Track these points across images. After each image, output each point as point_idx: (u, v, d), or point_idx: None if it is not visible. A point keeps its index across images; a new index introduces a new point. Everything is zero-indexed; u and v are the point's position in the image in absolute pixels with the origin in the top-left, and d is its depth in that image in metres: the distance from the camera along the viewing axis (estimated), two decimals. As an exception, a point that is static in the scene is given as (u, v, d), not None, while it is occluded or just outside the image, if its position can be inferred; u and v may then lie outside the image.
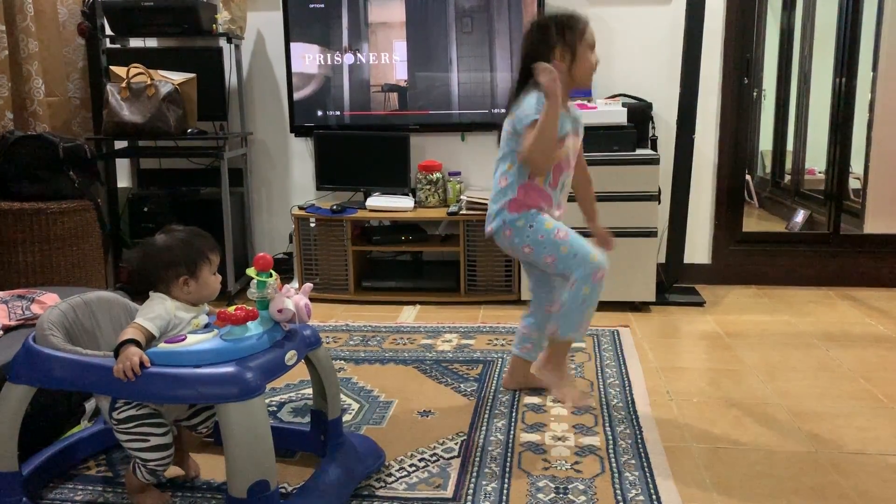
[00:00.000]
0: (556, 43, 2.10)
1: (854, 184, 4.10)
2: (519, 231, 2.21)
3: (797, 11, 4.86)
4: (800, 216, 4.50)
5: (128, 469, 1.76)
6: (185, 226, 1.81)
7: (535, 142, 2.08)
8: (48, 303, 2.22)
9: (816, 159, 4.74)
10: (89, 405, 2.20)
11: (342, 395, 2.40)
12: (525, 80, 2.17)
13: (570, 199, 2.39)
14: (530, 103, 2.12)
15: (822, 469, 1.96)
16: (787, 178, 5.17)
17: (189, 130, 3.51)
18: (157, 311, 1.67)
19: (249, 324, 1.62)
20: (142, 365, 1.54)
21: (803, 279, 3.81)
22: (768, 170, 5.43)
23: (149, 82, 3.38)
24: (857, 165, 4.02)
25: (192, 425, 1.83)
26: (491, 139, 3.79)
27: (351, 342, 3.02)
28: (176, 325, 1.69)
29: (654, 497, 1.81)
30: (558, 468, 1.96)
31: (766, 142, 5.32)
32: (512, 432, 2.18)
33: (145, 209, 3.70)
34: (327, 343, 2.99)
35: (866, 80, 3.86)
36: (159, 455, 1.69)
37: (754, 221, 4.85)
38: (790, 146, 5.12)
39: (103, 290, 2.09)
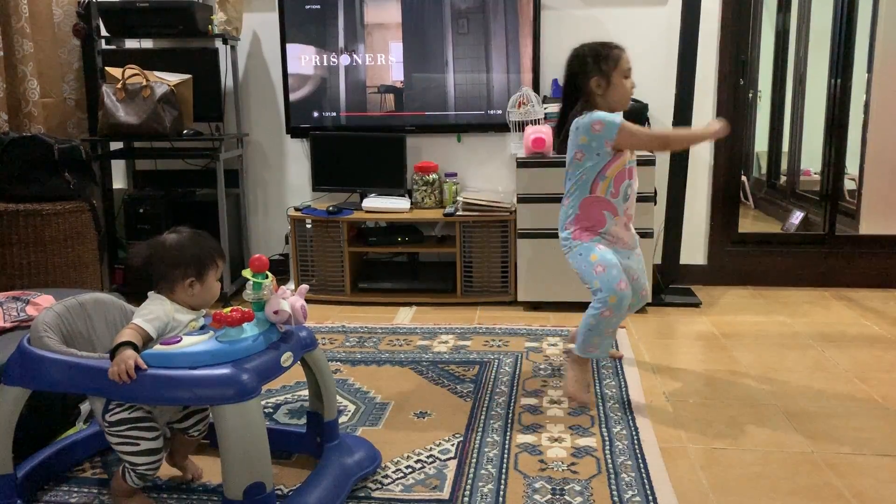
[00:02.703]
0: (593, 72, 2.28)
1: (849, 185, 4.11)
2: (572, 252, 2.42)
3: (792, 13, 4.88)
4: (795, 217, 4.51)
5: (116, 473, 1.74)
6: (192, 228, 1.81)
7: (671, 140, 2.64)
8: (43, 304, 2.21)
9: (812, 160, 4.76)
10: (84, 407, 2.19)
11: (338, 397, 2.40)
12: (570, 106, 2.37)
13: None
14: (598, 113, 2.29)
15: (818, 469, 1.96)
16: (783, 179, 5.18)
17: (185, 131, 3.51)
18: (156, 312, 1.66)
19: (245, 325, 1.62)
20: (138, 368, 1.54)
21: (799, 280, 3.81)
22: (764, 171, 5.44)
23: (144, 83, 3.37)
24: (852, 166, 4.03)
25: (183, 428, 1.83)
26: (488, 140, 3.81)
27: (347, 343, 3.02)
28: (173, 328, 1.68)
29: (650, 498, 1.81)
30: (555, 469, 1.96)
31: (761, 143, 5.34)
32: (508, 433, 2.18)
33: (141, 210, 3.69)
34: (323, 344, 2.99)
35: (861, 81, 3.87)
36: (149, 459, 1.68)
37: (750, 222, 4.86)
38: (786, 147, 5.14)
39: (99, 291, 2.09)
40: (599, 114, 2.29)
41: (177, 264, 1.70)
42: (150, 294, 1.72)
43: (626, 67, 2.30)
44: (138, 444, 1.67)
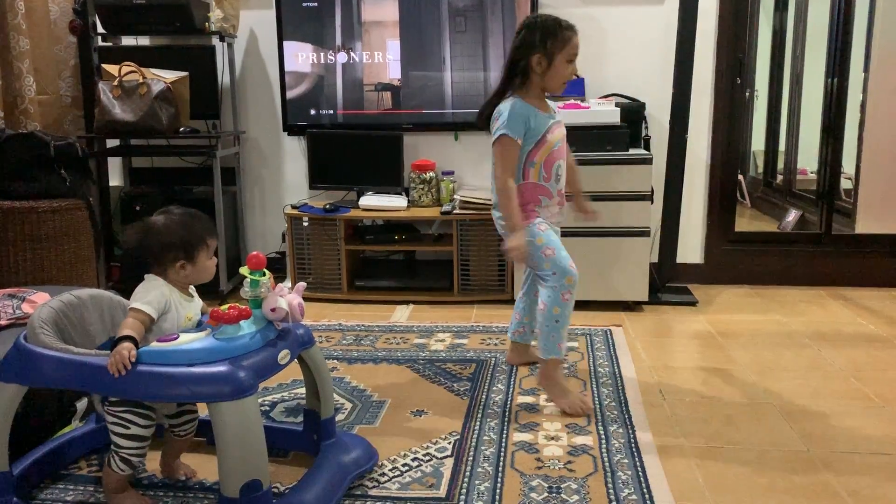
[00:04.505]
0: (538, 48, 2.18)
1: (845, 184, 4.12)
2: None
3: (789, 12, 4.88)
4: (792, 216, 4.52)
5: (105, 465, 1.74)
6: (185, 207, 1.81)
7: (501, 205, 2.30)
8: (39, 302, 2.20)
9: (808, 159, 4.77)
10: (80, 405, 2.19)
11: (335, 395, 2.40)
12: (511, 77, 2.26)
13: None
14: (503, 116, 2.24)
15: (814, 468, 1.96)
16: (780, 178, 5.19)
17: (181, 129, 3.50)
18: (152, 293, 1.67)
19: (242, 323, 1.62)
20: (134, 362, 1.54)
21: (795, 279, 3.82)
22: (760, 170, 5.45)
23: (141, 80, 3.36)
24: (848, 166, 4.04)
25: (174, 424, 1.83)
26: (485, 138, 3.80)
27: (344, 341, 3.02)
28: (170, 309, 1.69)
29: (646, 496, 1.81)
30: (551, 467, 1.96)
31: (758, 142, 5.35)
32: (505, 432, 2.18)
33: (137, 208, 3.69)
34: (320, 342, 2.98)
35: (858, 80, 3.88)
36: (134, 444, 1.69)
37: (746, 221, 4.87)
38: (782, 146, 5.15)
39: (95, 288, 2.08)
40: (505, 108, 2.23)
41: (166, 247, 1.71)
42: (147, 276, 1.72)
43: (572, 52, 2.20)
44: (128, 428, 1.67)
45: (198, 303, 1.80)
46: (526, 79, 2.24)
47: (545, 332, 2.33)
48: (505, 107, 2.25)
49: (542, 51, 2.18)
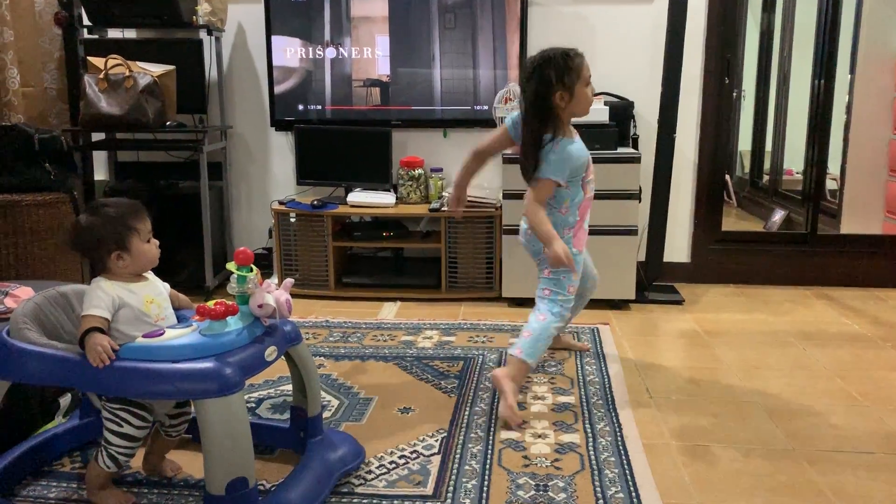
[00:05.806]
0: (557, 87, 2.24)
1: (831, 184, 4.15)
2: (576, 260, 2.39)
3: (777, 13, 4.91)
4: (777, 216, 4.55)
5: (91, 460, 1.72)
6: (114, 198, 1.78)
7: (533, 223, 2.30)
8: (22, 297, 2.18)
9: (794, 160, 4.80)
10: (64, 401, 2.17)
11: (322, 392, 2.39)
12: (542, 119, 2.27)
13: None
14: (558, 164, 2.27)
15: (799, 466, 1.98)
16: (766, 178, 5.22)
17: (168, 123, 3.47)
18: (97, 296, 1.63)
19: (229, 319, 1.61)
20: (117, 355, 1.53)
21: (781, 278, 3.84)
22: (747, 170, 5.49)
23: (127, 74, 3.33)
24: (833, 166, 4.07)
25: (172, 424, 1.82)
26: (474, 135, 3.80)
27: (331, 338, 3.00)
28: (125, 303, 1.65)
29: (633, 494, 1.81)
30: (538, 465, 1.96)
31: (745, 142, 5.38)
32: (492, 429, 2.17)
33: (123, 202, 3.65)
34: (307, 339, 2.97)
35: (844, 82, 3.91)
36: (124, 443, 1.67)
37: (733, 221, 4.90)
38: (769, 147, 5.18)
39: (79, 283, 2.06)
40: (556, 161, 2.26)
41: (96, 244, 1.68)
42: (92, 281, 1.69)
43: (587, 76, 2.30)
44: (121, 426, 1.66)
45: (156, 282, 1.76)
46: (554, 115, 2.28)
47: (535, 338, 2.32)
48: (558, 152, 2.27)
49: (561, 88, 2.24)
